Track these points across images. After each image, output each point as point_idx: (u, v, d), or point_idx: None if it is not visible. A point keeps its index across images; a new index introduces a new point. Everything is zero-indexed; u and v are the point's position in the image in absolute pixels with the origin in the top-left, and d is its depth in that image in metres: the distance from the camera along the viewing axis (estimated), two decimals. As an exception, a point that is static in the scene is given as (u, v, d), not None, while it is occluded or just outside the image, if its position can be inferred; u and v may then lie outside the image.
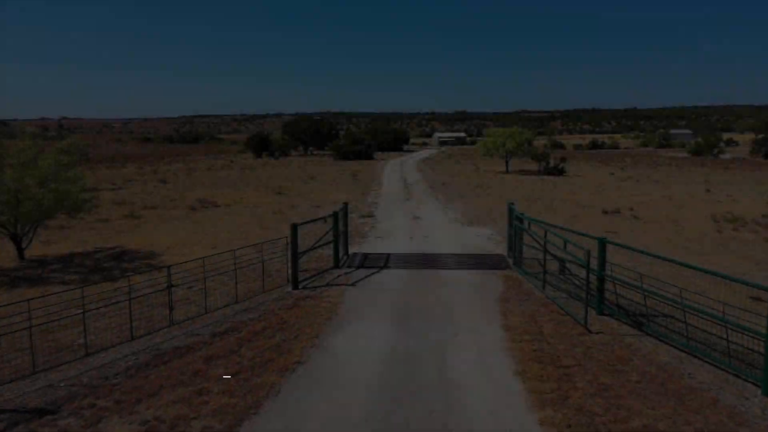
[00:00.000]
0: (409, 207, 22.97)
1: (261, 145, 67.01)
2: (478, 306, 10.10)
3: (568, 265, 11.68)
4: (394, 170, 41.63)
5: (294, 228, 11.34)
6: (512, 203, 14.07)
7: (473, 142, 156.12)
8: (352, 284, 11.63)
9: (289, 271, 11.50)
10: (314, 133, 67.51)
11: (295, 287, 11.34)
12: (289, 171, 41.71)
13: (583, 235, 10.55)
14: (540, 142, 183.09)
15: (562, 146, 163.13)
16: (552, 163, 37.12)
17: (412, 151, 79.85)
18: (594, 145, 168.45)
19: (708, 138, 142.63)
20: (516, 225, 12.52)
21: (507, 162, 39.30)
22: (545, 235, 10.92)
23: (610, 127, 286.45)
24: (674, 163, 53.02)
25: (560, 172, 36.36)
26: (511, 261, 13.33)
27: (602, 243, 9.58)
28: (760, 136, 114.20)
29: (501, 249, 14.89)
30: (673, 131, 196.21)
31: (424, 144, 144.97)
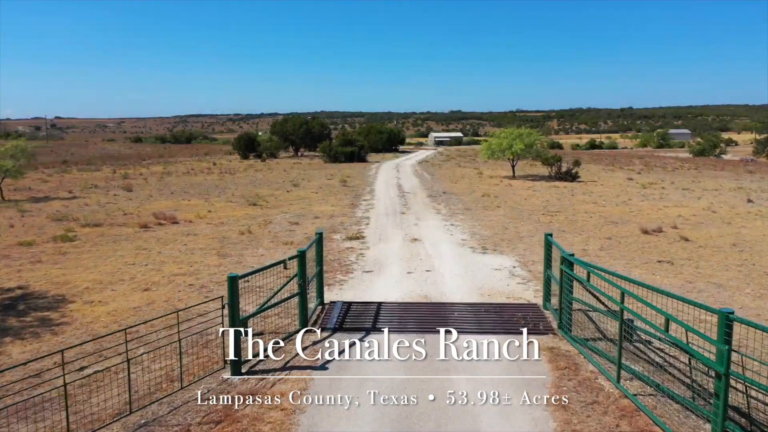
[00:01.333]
0: (406, 223, 19.05)
1: (248, 146, 62.97)
2: (520, 420, 6.18)
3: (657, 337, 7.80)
4: (388, 175, 37.68)
5: (232, 283, 7.39)
6: (550, 234, 10.20)
7: (470, 142, 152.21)
8: (323, 366, 7.69)
9: (228, 347, 7.54)
10: (305, 134, 63.49)
11: (236, 372, 7.42)
12: (273, 175, 37.71)
13: (685, 301, 6.57)
14: (538, 142, 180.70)
15: (559, 146, 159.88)
16: (564, 167, 33.24)
17: (407, 153, 75.93)
18: (592, 145, 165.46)
19: (709, 138, 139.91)
20: (563, 271, 8.60)
21: (513, 166, 35.41)
22: (622, 299, 6.98)
23: (606, 127, 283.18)
24: (688, 166, 49.26)
25: (573, 177, 32.52)
26: (549, 315, 9.45)
27: (727, 318, 5.60)
28: (763, 136, 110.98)
29: (531, 292, 11.01)
30: (672, 131, 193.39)
31: (420, 144, 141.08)
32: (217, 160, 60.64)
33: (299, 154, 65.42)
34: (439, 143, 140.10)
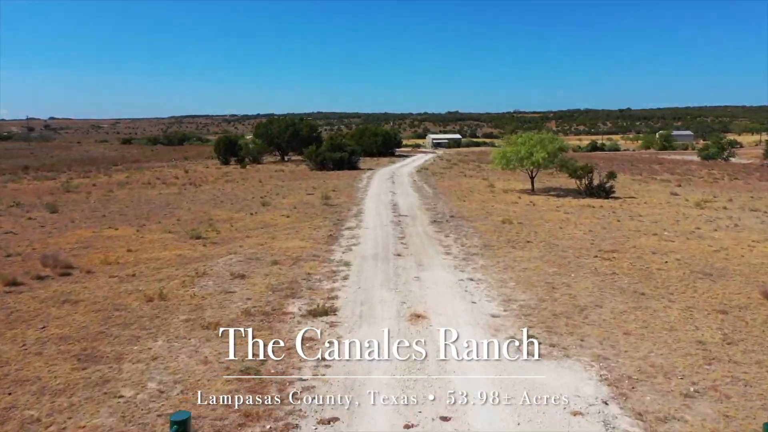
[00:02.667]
0: (402, 276, 12.80)
1: (228, 151, 56.69)
2: None
3: None
4: (381, 188, 31.44)
5: None
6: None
7: (469, 144, 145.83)
8: None
9: None
10: (292, 136, 57.18)
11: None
12: (244, 188, 31.45)
13: None
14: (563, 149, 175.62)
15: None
16: (596, 179, 27.03)
17: (404, 157, 69.66)
18: (594, 147, 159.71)
19: (717, 140, 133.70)
20: None
21: (533, 178, 29.20)
22: None
23: (605, 128, 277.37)
24: (718, 174, 43.13)
25: (607, 193, 26.34)
26: None
27: None
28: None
29: None
30: (675, 133, 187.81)
31: (417, 146, 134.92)
32: (192, 167, 54.34)
33: (286, 159, 59.13)
34: (437, 145, 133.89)
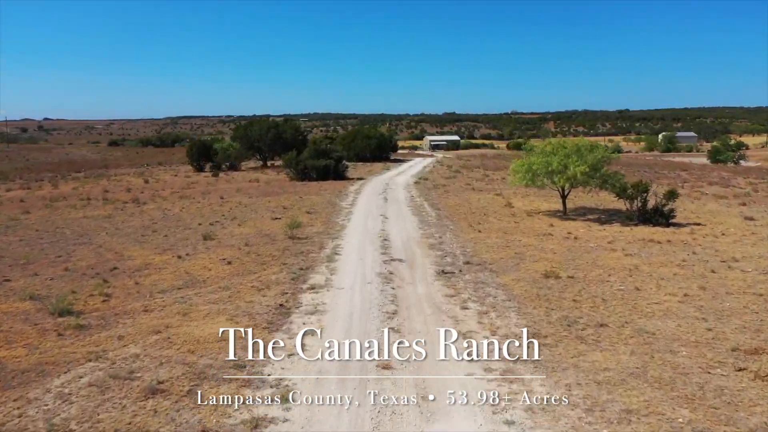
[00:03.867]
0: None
1: (202, 156, 49.99)
2: None
3: None
4: (371, 207, 24.68)
5: None
6: None
7: (468, 145, 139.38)
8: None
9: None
10: (274, 140, 50.48)
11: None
12: (196, 209, 24.72)
13: None
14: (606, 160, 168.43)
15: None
16: (650, 200, 20.35)
17: (400, 162, 62.99)
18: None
19: (726, 142, 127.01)
20: None
21: (565, 197, 22.48)
22: None
23: (605, 129, 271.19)
24: (757, 183, 36.59)
25: (667, 218, 19.70)
26: None
27: None
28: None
29: None
30: (679, 134, 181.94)
31: (414, 148, 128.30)
32: (162, 174, 47.63)
33: (267, 164, 52.40)
34: (435, 147, 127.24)
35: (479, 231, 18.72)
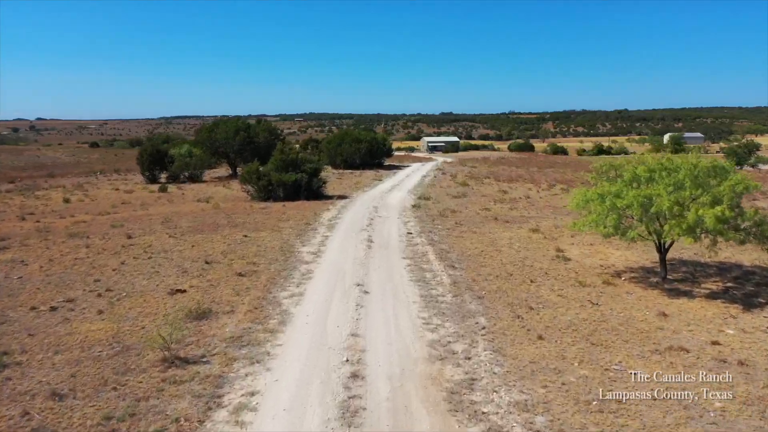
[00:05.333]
0: None
1: (156, 163, 40.82)
2: None
3: None
4: (344, 264, 14.94)
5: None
6: None
7: (467, 147, 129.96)
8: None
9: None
10: (244, 144, 41.29)
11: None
12: (70, 261, 15.37)
13: None
14: (541, 145, 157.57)
15: (564, 151, 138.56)
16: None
17: (395, 169, 53.82)
18: (600, 151, 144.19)
19: (741, 143, 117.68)
20: None
21: (664, 249, 13.19)
22: None
23: (605, 130, 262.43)
24: None
25: None
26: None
27: None
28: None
29: None
30: (686, 134, 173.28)
31: (411, 150, 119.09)
32: (101, 187, 38.35)
33: (237, 173, 43.18)
34: (432, 149, 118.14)
35: (540, 337, 9.55)
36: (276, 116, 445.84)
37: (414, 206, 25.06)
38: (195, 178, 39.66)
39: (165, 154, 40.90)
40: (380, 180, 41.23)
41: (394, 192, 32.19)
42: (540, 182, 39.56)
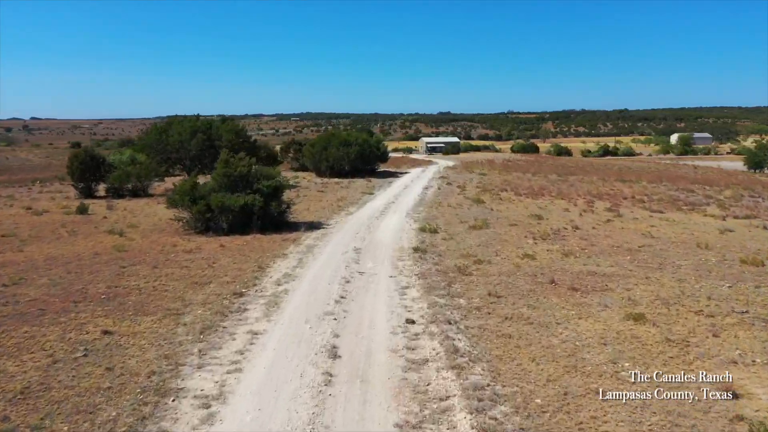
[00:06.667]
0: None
1: (91, 172, 32.18)
2: None
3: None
4: None
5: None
6: None
7: (468, 148, 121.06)
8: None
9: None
10: (203, 148, 32.69)
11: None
12: None
13: None
14: (543, 145, 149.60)
15: (567, 152, 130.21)
16: None
17: (391, 176, 45.28)
18: (606, 152, 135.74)
19: (761, 144, 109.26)
20: None
21: None
22: None
23: (606, 130, 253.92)
24: None
25: None
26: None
27: None
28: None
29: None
30: (696, 135, 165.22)
31: (410, 151, 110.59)
32: (22, 202, 29.67)
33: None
34: (431, 150, 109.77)
35: None
36: (273, 116, 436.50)
37: (416, 249, 16.35)
38: (140, 192, 30.98)
39: (102, 161, 32.23)
40: (371, 193, 32.62)
41: (387, 216, 23.54)
42: (572, 197, 31.08)
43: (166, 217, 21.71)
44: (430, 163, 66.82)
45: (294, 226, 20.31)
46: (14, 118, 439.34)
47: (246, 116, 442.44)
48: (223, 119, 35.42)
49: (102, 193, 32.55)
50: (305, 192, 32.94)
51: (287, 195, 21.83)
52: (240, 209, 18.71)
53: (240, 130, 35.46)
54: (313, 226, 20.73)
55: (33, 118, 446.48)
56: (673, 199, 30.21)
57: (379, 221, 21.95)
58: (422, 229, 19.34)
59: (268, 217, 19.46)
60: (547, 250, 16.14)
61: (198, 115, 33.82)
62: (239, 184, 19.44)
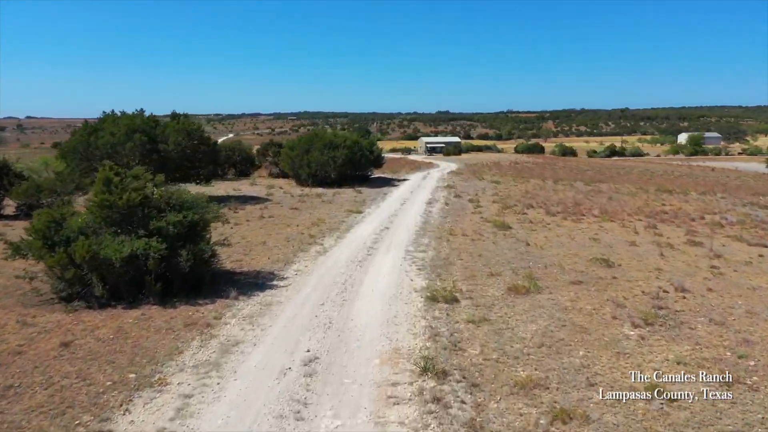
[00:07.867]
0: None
1: (-8, 187, 24.34)
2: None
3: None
4: None
5: None
6: None
7: (470, 148, 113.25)
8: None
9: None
10: (144, 152, 24.90)
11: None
12: None
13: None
14: (546, 145, 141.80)
15: (572, 152, 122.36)
16: None
17: (386, 185, 37.49)
18: (612, 152, 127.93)
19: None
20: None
21: None
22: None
23: (608, 129, 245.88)
24: None
25: None
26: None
27: None
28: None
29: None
30: (707, 135, 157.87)
31: (409, 152, 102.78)
32: None
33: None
34: (431, 150, 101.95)
35: None
36: (270, 115, 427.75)
37: (425, 367, 8.43)
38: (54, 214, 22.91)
39: (7, 171, 24.40)
40: (359, 212, 24.79)
41: (378, 256, 15.67)
42: (622, 217, 23.37)
43: (12, 268, 13.69)
44: (431, 165, 59.11)
45: (223, 285, 12.47)
46: (10, 117, 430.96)
47: (243, 115, 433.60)
48: (174, 116, 27.53)
49: (10, 211, 24.79)
50: (274, 210, 25.13)
51: (227, 222, 13.98)
52: (126, 262, 10.90)
53: (195, 129, 27.61)
54: (256, 284, 12.91)
55: (29, 117, 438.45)
56: (762, 221, 22.46)
57: (364, 271, 14.10)
58: (432, 296, 11.50)
59: (178, 273, 11.62)
60: (678, 363, 8.31)
61: (141, 110, 25.86)
62: (130, 221, 11.62)
